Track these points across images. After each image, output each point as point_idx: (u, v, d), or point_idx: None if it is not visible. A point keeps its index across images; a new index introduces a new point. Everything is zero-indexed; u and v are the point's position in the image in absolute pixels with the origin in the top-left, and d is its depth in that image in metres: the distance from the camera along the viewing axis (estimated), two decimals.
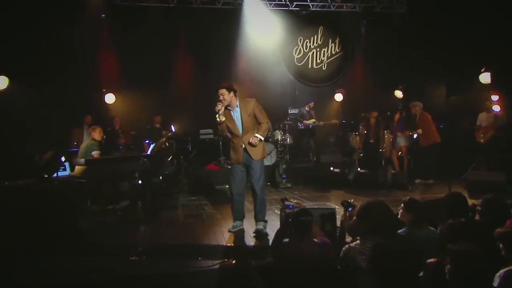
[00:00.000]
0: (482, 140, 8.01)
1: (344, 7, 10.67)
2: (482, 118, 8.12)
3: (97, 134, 6.72)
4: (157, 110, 9.51)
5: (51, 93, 8.04)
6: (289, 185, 8.19)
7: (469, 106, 9.22)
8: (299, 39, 11.15)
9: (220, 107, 4.64)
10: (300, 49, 11.22)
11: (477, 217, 3.28)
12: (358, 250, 2.55)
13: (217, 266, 3.87)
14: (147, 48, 9.27)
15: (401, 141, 8.54)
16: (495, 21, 8.10)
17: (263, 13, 10.18)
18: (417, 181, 7.96)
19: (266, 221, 4.98)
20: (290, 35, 10.82)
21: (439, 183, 7.64)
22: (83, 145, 6.75)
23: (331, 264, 2.71)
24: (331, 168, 8.51)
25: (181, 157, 8.75)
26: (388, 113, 8.97)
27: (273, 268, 3.33)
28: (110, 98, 9.46)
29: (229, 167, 5.55)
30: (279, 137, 9.07)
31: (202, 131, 9.89)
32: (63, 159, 6.13)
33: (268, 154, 5.73)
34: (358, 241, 2.71)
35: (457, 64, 9.16)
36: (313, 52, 11.31)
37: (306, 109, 10.01)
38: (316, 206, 4.64)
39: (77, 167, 6.11)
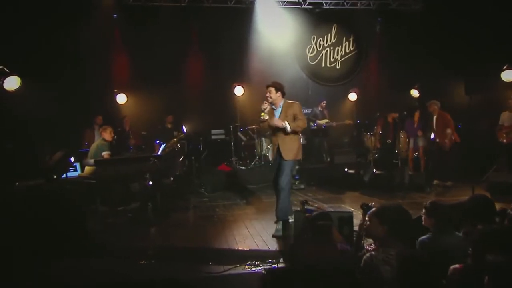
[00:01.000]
0: (504, 140, 7.69)
1: (358, 4, 10.44)
2: (505, 117, 7.79)
3: (108, 135, 6.69)
4: (168, 110, 9.46)
5: (62, 94, 8.00)
6: (302, 186, 8.04)
7: (490, 105, 8.90)
8: (312, 38, 10.96)
9: (266, 106, 4.82)
10: (313, 47, 11.03)
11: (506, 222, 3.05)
12: (381, 259, 2.36)
13: (228, 272, 3.72)
14: (159, 48, 9.24)
15: (421, 141, 8.30)
16: None
17: (275, 11, 10.06)
18: (435, 182, 7.71)
19: (287, 221, 4.85)
20: (303, 34, 10.64)
21: (458, 185, 7.40)
22: (93, 146, 6.73)
23: (353, 272, 2.52)
24: (346, 169, 8.30)
25: (192, 157, 8.67)
26: (405, 113, 8.70)
27: (288, 274, 3.14)
28: (121, 99, 9.43)
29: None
30: None
31: (213, 131, 9.81)
32: (72, 159, 6.09)
33: (301, 158, 5.68)
34: (374, 246, 2.58)
35: (477, 61, 8.86)
36: (327, 50, 11.12)
37: (319, 108, 9.87)
38: (332, 209, 4.46)
39: (86, 168, 6.10)
